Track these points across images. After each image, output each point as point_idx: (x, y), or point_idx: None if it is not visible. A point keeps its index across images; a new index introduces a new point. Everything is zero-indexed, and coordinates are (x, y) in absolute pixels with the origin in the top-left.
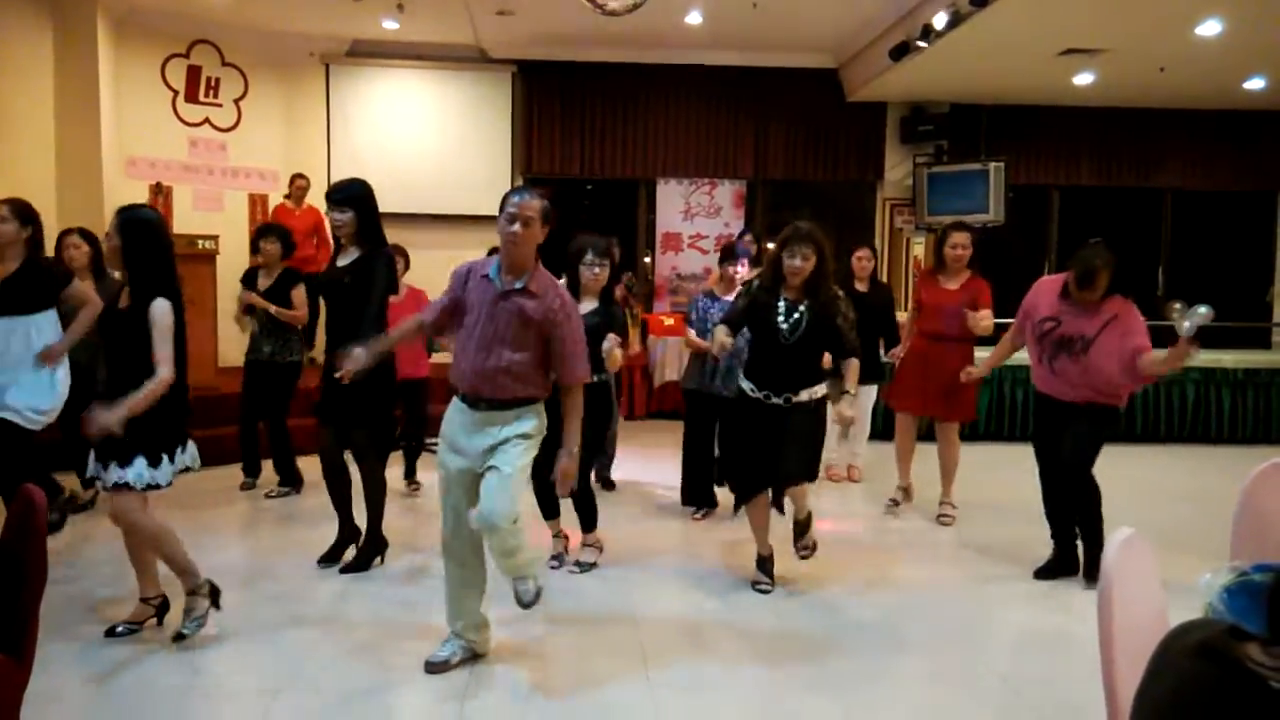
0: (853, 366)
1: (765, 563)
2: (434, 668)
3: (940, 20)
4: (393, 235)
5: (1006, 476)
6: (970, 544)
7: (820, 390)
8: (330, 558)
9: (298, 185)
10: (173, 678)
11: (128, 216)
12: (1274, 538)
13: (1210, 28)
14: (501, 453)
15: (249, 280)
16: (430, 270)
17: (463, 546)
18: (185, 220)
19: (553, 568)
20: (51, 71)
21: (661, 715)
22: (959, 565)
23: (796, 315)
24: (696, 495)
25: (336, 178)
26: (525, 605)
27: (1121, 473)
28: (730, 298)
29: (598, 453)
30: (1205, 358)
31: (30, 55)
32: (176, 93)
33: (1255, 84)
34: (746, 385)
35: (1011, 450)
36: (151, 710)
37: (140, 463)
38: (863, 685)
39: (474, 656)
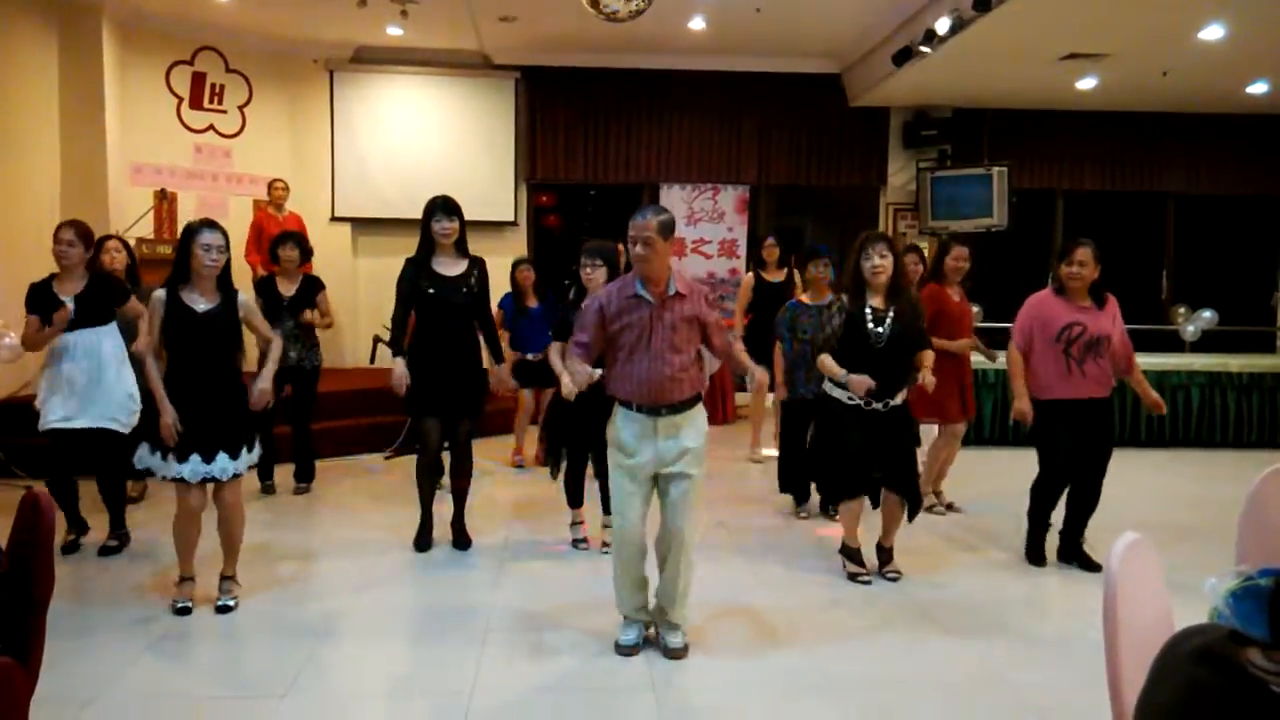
0: (928, 356)
1: (858, 554)
2: (629, 651)
3: (943, 25)
4: (397, 242)
5: (1016, 480)
6: (978, 545)
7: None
8: (426, 544)
9: (277, 190)
10: (188, 677)
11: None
12: (1279, 542)
13: (1213, 32)
14: (695, 461)
15: (267, 288)
16: None
17: (642, 537)
18: None
19: (581, 548)
20: (56, 78)
21: (662, 704)
22: (966, 568)
23: (886, 322)
24: (794, 488)
25: (341, 184)
26: (673, 654)
27: (1127, 476)
28: (805, 299)
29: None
30: (1211, 362)
31: (35, 62)
32: (181, 99)
33: (1258, 88)
34: (842, 394)
35: (1018, 455)
36: (156, 714)
37: (244, 451)
38: (862, 688)
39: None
